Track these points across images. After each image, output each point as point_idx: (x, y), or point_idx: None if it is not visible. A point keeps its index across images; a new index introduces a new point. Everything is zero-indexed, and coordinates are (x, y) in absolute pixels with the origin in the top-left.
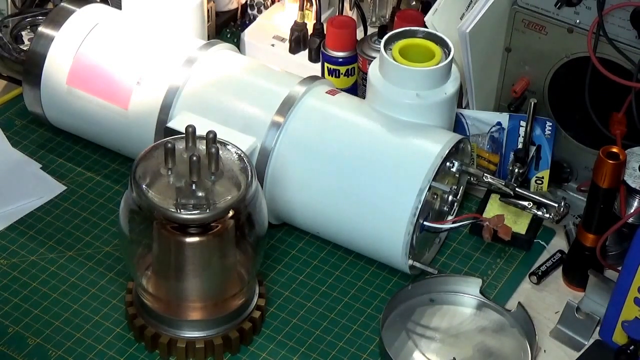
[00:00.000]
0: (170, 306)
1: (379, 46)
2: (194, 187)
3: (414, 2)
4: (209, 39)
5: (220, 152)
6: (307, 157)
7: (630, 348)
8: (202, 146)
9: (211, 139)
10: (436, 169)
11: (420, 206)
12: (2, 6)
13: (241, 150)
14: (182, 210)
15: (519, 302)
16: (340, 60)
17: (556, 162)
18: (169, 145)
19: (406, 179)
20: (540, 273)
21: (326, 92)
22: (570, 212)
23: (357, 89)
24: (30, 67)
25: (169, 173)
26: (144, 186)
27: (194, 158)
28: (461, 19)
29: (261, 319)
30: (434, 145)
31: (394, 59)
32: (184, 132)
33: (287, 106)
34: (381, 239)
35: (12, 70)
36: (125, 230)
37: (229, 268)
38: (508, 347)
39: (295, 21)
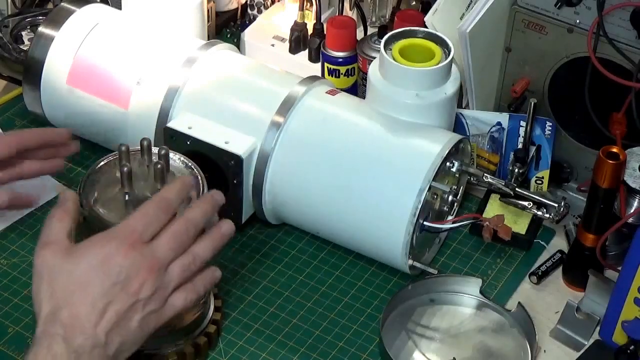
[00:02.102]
0: None
1: (379, 46)
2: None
3: (414, 2)
4: (209, 39)
5: (171, 162)
6: (307, 157)
7: (630, 348)
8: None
9: (163, 155)
10: (436, 169)
11: (420, 206)
12: (2, 6)
13: (191, 162)
14: None
15: (519, 302)
16: (340, 60)
17: (556, 162)
18: (125, 169)
19: (406, 178)
20: (540, 273)
21: (326, 92)
22: (570, 212)
23: (357, 89)
24: (30, 67)
25: (127, 197)
26: (92, 201)
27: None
28: (461, 19)
29: (217, 333)
30: (434, 145)
31: (394, 59)
32: (184, 132)
33: (287, 106)
34: (381, 238)
35: (12, 70)
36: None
37: None
38: (508, 347)
39: (295, 21)
